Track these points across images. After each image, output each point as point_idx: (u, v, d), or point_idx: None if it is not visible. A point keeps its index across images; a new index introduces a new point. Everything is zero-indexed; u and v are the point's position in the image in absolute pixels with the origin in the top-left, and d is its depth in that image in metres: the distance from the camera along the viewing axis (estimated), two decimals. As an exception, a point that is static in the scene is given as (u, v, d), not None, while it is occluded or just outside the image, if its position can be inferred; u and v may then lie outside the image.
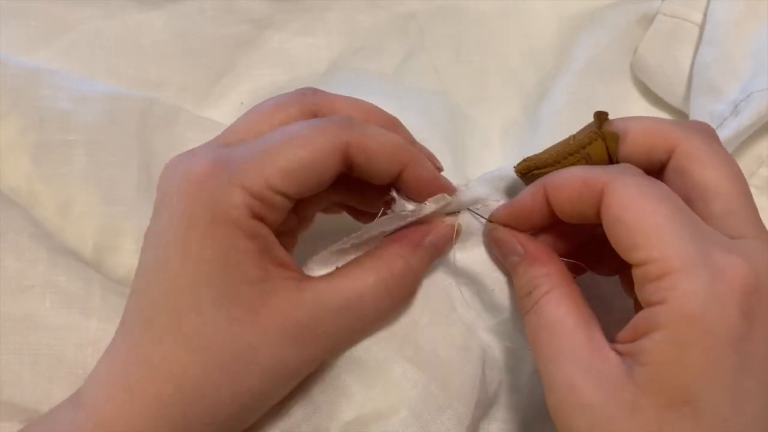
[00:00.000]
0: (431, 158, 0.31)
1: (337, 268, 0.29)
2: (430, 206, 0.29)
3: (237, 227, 0.25)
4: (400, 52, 0.43)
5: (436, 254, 0.30)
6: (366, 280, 0.27)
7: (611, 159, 0.27)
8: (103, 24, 0.40)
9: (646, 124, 0.27)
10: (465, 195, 0.31)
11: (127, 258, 0.35)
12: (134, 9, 0.40)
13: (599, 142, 0.27)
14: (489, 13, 0.43)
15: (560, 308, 0.25)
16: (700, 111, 0.37)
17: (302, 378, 0.28)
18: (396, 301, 0.29)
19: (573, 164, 0.28)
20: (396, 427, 0.29)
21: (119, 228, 0.34)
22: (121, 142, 0.35)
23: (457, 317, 0.31)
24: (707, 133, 0.27)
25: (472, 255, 0.31)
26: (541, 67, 0.43)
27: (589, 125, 0.28)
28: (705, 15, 0.39)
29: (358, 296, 0.27)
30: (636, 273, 0.24)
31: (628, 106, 0.42)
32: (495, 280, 0.30)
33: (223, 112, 0.41)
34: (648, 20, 0.42)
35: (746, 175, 0.36)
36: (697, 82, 0.38)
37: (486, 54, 0.43)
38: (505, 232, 0.29)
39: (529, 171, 0.29)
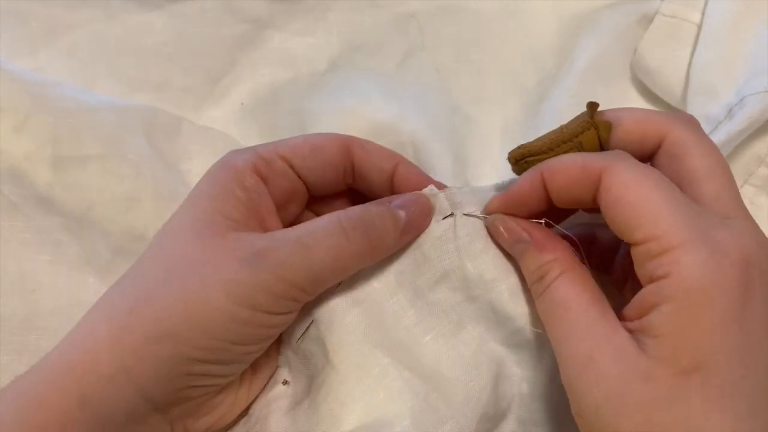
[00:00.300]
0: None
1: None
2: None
3: (236, 175, 0.29)
4: (401, 52, 0.43)
5: (406, 218, 0.30)
6: (321, 218, 0.29)
7: (602, 147, 0.28)
8: (103, 25, 0.40)
9: (637, 114, 0.28)
10: (455, 196, 0.31)
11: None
12: (135, 10, 0.40)
13: (591, 131, 0.28)
14: (489, 13, 0.43)
15: (573, 288, 0.27)
16: (696, 112, 0.37)
17: (263, 310, 0.27)
18: (353, 241, 0.28)
19: (566, 152, 0.28)
20: None
21: (139, 235, 0.35)
22: (134, 153, 0.35)
23: (467, 336, 0.31)
24: (692, 123, 0.28)
25: (479, 264, 0.30)
26: (541, 67, 0.43)
27: (581, 115, 0.29)
28: (703, 15, 0.39)
29: (311, 229, 0.28)
30: (637, 251, 0.25)
31: (627, 106, 0.42)
32: (508, 285, 0.30)
33: (224, 111, 0.41)
34: (648, 20, 0.42)
35: (746, 175, 0.37)
36: (694, 82, 0.38)
37: (486, 54, 0.43)
38: (507, 221, 0.29)
39: (523, 158, 0.29)
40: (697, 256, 0.23)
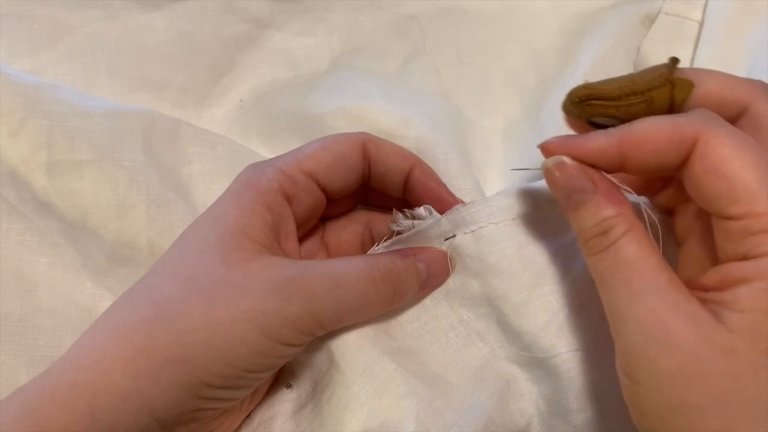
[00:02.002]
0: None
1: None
2: (420, 211, 0.31)
3: (262, 196, 0.28)
4: (402, 54, 0.43)
5: (427, 274, 0.30)
6: (352, 260, 0.29)
7: (672, 108, 0.26)
8: (104, 26, 0.40)
9: (721, 78, 0.26)
10: (459, 215, 0.31)
11: (140, 269, 0.35)
12: (135, 10, 0.40)
13: (666, 89, 0.26)
14: (490, 14, 0.43)
15: (642, 248, 0.25)
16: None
17: (282, 342, 0.27)
18: (380, 291, 0.29)
19: (633, 105, 0.26)
20: None
21: (132, 243, 0.35)
22: (129, 160, 0.35)
23: (476, 350, 0.31)
24: None
25: (483, 282, 0.30)
26: (542, 69, 0.43)
27: (658, 68, 0.26)
28: (704, 14, 0.39)
29: (344, 270, 0.28)
30: (731, 226, 0.23)
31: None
32: (514, 303, 0.30)
33: (224, 110, 0.41)
34: (651, 20, 0.41)
35: None
36: None
37: (487, 55, 0.43)
38: (573, 164, 0.27)
39: (588, 99, 0.27)
40: None
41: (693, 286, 0.24)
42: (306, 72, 0.42)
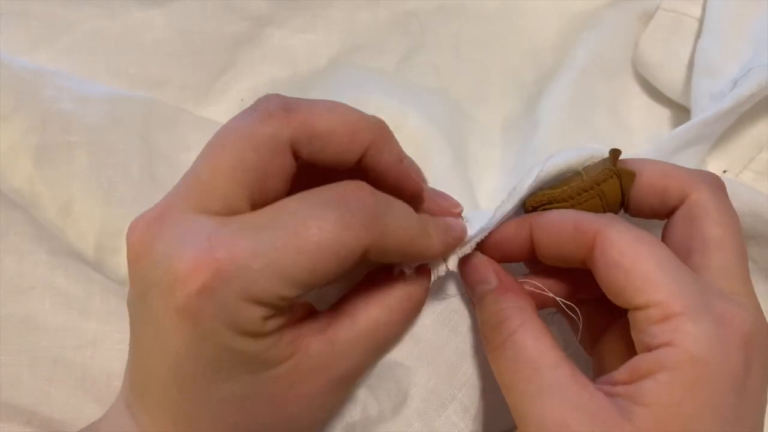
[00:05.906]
0: (417, 173, 0.28)
1: (342, 306, 0.27)
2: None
3: (255, 337, 0.23)
4: (401, 50, 0.42)
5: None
6: (383, 305, 0.27)
7: (623, 197, 0.28)
8: (104, 23, 0.40)
9: (662, 167, 0.27)
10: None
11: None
12: (135, 8, 0.40)
13: (614, 180, 0.27)
14: (489, 11, 0.43)
15: (539, 343, 0.24)
16: (701, 95, 0.37)
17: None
18: (410, 320, 0.29)
19: (587, 201, 0.28)
20: (401, 427, 0.28)
21: (120, 229, 0.34)
22: (123, 144, 0.35)
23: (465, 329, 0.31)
24: (717, 186, 0.27)
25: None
26: (541, 65, 0.43)
27: (602, 162, 0.28)
28: (704, 9, 0.39)
29: (375, 325, 0.26)
30: (636, 317, 0.24)
31: (628, 102, 0.42)
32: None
33: (224, 109, 0.41)
34: (649, 17, 0.42)
35: (746, 160, 0.36)
36: (698, 66, 0.38)
37: (486, 52, 0.43)
38: (482, 259, 0.28)
39: (541, 206, 0.28)
40: (701, 325, 0.22)
41: (604, 380, 0.24)
42: (305, 69, 0.41)
